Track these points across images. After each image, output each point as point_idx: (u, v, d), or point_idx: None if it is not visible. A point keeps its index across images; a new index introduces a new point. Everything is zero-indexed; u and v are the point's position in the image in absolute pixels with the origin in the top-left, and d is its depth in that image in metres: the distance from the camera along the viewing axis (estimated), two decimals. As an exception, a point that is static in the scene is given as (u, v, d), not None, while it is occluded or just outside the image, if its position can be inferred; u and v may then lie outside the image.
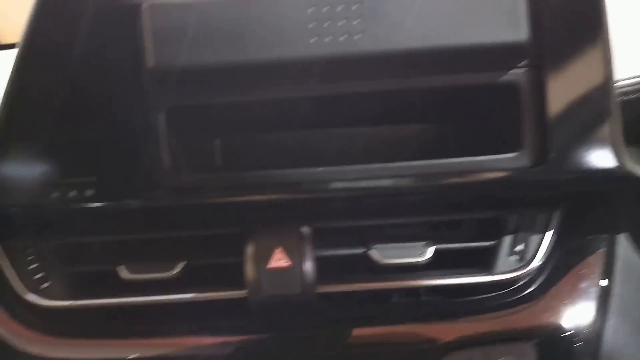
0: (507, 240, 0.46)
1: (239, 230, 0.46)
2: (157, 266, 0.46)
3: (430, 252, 0.45)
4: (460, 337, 0.42)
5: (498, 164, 0.44)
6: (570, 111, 0.43)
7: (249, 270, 0.44)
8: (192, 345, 0.43)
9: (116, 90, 0.43)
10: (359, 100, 0.48)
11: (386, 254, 0.46)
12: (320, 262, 0.45)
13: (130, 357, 0.43)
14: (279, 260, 0.44)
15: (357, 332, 0.44)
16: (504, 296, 0.44)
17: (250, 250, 0.44)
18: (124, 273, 0.45)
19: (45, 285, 0.46)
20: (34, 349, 0.44)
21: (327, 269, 0.46)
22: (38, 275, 0.47)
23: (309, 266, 0.43)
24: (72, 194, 0.44)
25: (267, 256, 0.44)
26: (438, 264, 0.46)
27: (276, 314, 0.44)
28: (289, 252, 0.44)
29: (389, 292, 0.46)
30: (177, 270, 0.46)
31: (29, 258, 0.47)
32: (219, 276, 0.47)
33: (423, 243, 0.46)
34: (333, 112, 0.49)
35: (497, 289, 0.45)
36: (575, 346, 0.43)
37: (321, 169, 0.44)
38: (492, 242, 0.46)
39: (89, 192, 0.45)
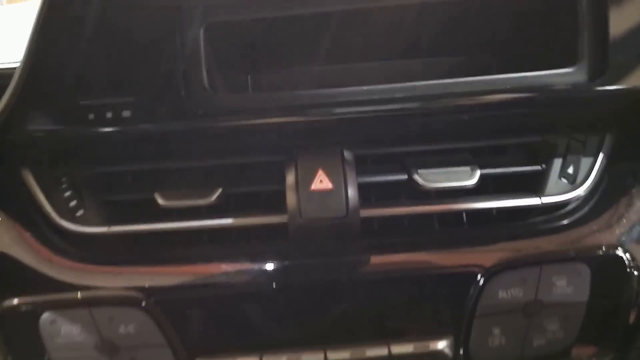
0: (557, 163, 0.45)
1: (278, 157, 0.45)
2: (194, 193, 0.45)
3: (476, 176, 0.44)
4: (511, 257, 0.41)
5: (554, 79, 0.41)
6: (631, 22, 0.41)
7: (290, 192, 0.42)
8: (230, 271, 0.42)
9: (153, 7, 0.41)
10: (407, 14, 0.45)
11: (430, 179, 0.44)
12: (361, 189, 0.43)
13: (167, 284, 0.43)
14: (321, 182, 0.43)
15: (404, 257, 0.42)
16: (556, 219, 0.43)
17: (291, 172, 0.43)
18: (161, 200, 0.45)
19: (80, 212, 0.46)
20: (68, 277, 0.42)
21: (369, 197, 0.45)
22: (72, 203, 0.46)
23: (353, 188, 0.42)
24: (109, 115, 0.43)
25: (309, 179, 0.42)
26: (484, 191, 0.45)
27: (317, 240, 0.42)
28: (332, 175, 0.42)
29: (434, 217, 0.44)
30: (214, 197, 0.45)
31: (63, 186, 0.47)
32: (257, 205, 0.45)
33: (468, 168, 0.45)
34: (377, 27, 0.47)
35: (548, 212, 0.44)
36: (627, 267, 0.41)
37: (365, 87, 0.42)
38: (541, 166, 0.45)
39: (126, 114, 0.43)
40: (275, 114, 0.42)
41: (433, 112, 0.43)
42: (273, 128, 0.43)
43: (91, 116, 0.43)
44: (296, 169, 0.43)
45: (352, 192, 0.42)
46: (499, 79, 0.42)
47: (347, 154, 0.43)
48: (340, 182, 0.42)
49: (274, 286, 0.42)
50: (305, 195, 0.42)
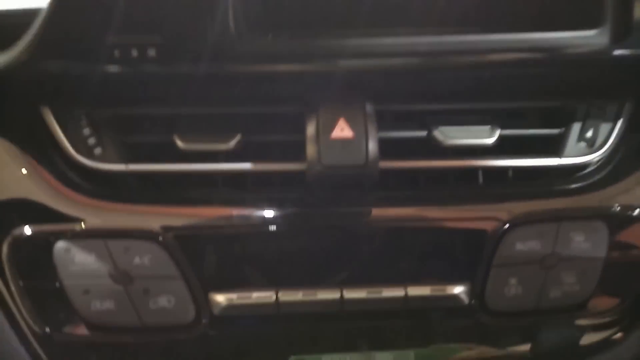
0: (576, 127, 0.45)
1: (299, 108, 0.45)
2: (213, 138, 0.45)
3: (496, 135, 0.44)
4: (529, 212, 0.41)
5: (575, 40, 0.42)
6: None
7: (310, 140, 0.42)
8: (247, 215, 0.42)
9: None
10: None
11: (450, 135, 0.45)
12: (380, 143, 0.43)
13: (184, 224, 0.42)
14: (342, 131, 0.43)
15: (422, 210, 0.42)
16: (575, 180, 0.43)
17: (312, 121, 0.43)
18: (180, 143, 0.44)
19: (98, 150, 0.46)
20: (83, 212, 0.42)
21: (387, 152, 0.44)
22: (91, 141, 0.46)
23: (373, 138, 0.42)
24: (134, 53, 0.44)
25: (330, 127, 0.42)
26: (502, 151, 0.45)
27: (334, 188, 0.43)
28: (353, 125, 0.42)
29: (451, 175, 0.45)
30: (233, 142, 0.45)
31: (82, 124, 0.46)
32: (275, 152, 0.45)
33: (488, 127, 0.45)
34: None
35: (567, 173, 0.44)
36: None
37: (390, 39, 0.42)
38: (560, 130, 0.45)
39: (151, 52, 0.43)
40: (300, 60, 0.42)
41: (455, 67, 0.42)
42: (297, 75, 0.43)
43: (116, 53, 0.43)
44: (317, 118, 0.43)
45: (372, 141, 0.42)
46: (521, 37, 0.42)
47: (369, 107, 0.43)
48: (361, 132, 0.42)
49: (289, 230, 0.42)
50: (326, 143, 0.42)
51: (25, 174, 0.43)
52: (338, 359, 0.42)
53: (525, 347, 0.44)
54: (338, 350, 0.42)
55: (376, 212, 0.42)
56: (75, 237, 0.40)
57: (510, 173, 0.46)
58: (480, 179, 0.46)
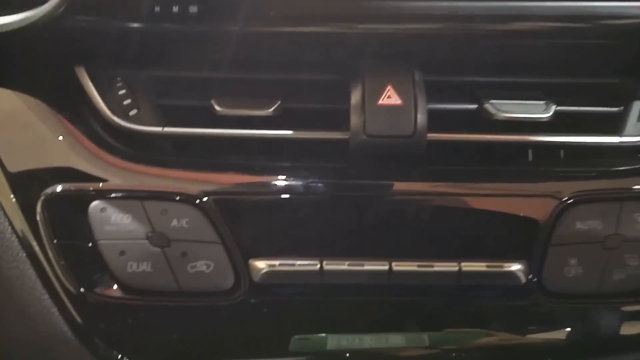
0: (636, 106, 0.42)
1: (343, 75, 0.43)
2: (252, 103, 0.43)
3: (551, 110, 0.42)
4: (590, 190, 0.39)
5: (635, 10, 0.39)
6: None
7: (355, 107, 0.40)
8: (287, 184, 0.40)
9: None
10: None
11: (503, 109, 0.42)
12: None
13: (223, 189, 0.40)
14: (389, 98, 0.41)
15: (476, 188, 0.39)
16: (637, 160, 0.41)
17: (357, 87, 0.40)
18: (218, 107, 0.43)
19: (134, 112, 0.44)
20: (118, 177, 0.40)
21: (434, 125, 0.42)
22: (126, 102, 0.45)
23: (422, 107, 0.39)
24: (175, 9, 0.42)
25: (377, 93, 0.40)
26: (558, 128, 0.43)
27: (378, 159, 0.41)
28: (401, 92, 0.40)
29: (501, 150, 0.43)
30: (272, 108, 0.43)
31: (117, 85, 0.45)
32: (315, 122, 0.43)
33: (543, 102, 0.43)
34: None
35: (624, 153, 0.41)
36: None
37: (440, 2, 0.39)
38: (619, 108, 0.43)
39: (193, 9, 0.42)
40: (345, 21, 0.40)
41: (508, 35, 0.40)
42: (341, 39, 0.41)
43: (157, 9, 0.42)
44: (363, 84, 0.41)
45: (421, 110, 0.39)
46: (580, 5, 0.39)
47: (417, 75, 0.41)
48: (409, 100, 0.40)
49: (331, 201, 0.40)
50: (372, 110, 0.40)
51: (59, 135, 0.42)
52: (344, 339, 0.40)
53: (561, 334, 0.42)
54: (376, 328, 0.40)
55: (425, 186, 0.40)
56: (111, 196, 0.39)
57: (562, 152, 0.45)
58: (530, 157, 0.44)
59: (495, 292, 0.40)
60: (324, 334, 0.41)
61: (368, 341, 0.39)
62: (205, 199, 0.39)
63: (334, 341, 0.41)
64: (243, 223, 0.39)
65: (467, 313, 0.41)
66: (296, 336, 0.40)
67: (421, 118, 0.40)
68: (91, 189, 0.39)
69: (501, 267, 0.39)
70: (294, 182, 0.40)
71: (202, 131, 0.42)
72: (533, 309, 0.40)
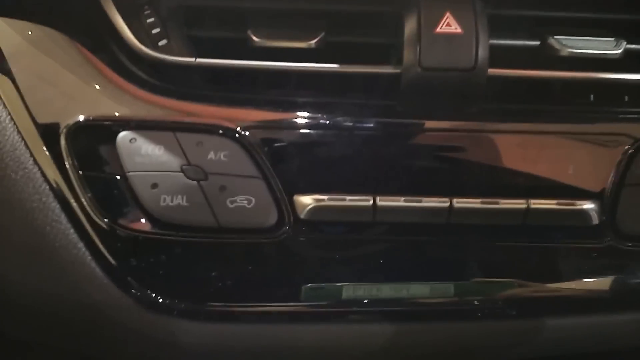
0: None
1: (395, 7, 0.38)
2: (292, 35, 0.39)
3: (622, 47, 0.38)
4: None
5: None
6: None
7: (410, 37, 0.36)
8: (334, 122, 0.36)
9: None
10: None
11: (569, 45, 0.39)
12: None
13: (263, 125, 0.37)
14: (448, 26, 0.38)
15: (539, 126, 0.36)
16: None
17: (412, 16, 0.36)
18: (255, 37, 0.39)
19: (164, 42, 0.41)
20: (141, 109, 0.37)
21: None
22: (155, 31, 0.41)
23: (484, 37, 0.36)
24: None
25: (435, 21, 0.37)
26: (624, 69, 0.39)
27: (434, 96, 0.37)
28: (462, 19, 0.36)
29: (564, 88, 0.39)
30: (315, 40, 0.39)
31: (145, 13, 0.42)
32: (364, 56, 0.39)
33: (612, 38, 0.39)
34: None
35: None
36: None
37: None
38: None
39: None
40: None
41: None
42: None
43: None
44: (419, 11, 0.36)
45: (483, 41, 0.36)
46: None
47: (479, 4, 0.37)
48: (470, 29, 0.36)
49: (382, 141, 0.36)
50: (428, 38, 0.36)
51: (83, 66, 0.38)
52: (360, 289, 0.37)
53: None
54: (428, 275, 0.37)
55: (486, 126, 0.36)
56: (141, 127, 0.35)
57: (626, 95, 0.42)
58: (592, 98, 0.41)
59: (564, 235, 0.37)
60: (347, 284, 0.38)
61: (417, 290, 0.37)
62: (246, 132, 0.35)
63: (354, 291, 0.38)
64: (286, 158, 0.36)
65: (531, 259, 0.38)
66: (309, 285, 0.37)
67: (483, 49, 0.36)
68: (119, 118, 0.36)
69: (573, 204, 0.36)
70: (339, 119, 0.37)
71: (240, 63, 0.38)
72: (606, 253, 0.37)
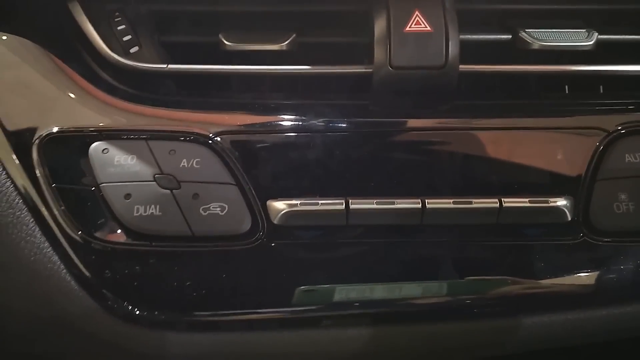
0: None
1: (364, 6, 0.38)
2: (263, 37, 0.39)
3: (593, 39, 0.38)
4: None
5: None
6: None
7: (380, 36, 0.36)
8: (304, 123, 0.36)
9: None
10: None
11: (540, 38, 0.38)
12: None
13: (236, 129, 0.36)
14: (417, 24, 0.38)
15: (517, 122, 0.36)
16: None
17: (382, 15, 0.36)
18: (226, 41, 0.38)
19: (135, 49, 0.41)
20: (117, 118, 0.36)
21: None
22: (126, 38, 0.41)
23: (454, 34, 0.36)
24: None
25: (404, 20, 0.36)
26: (595, 60, 0.39)
27: (405, 94, 0.37)
28: (431, 17, 0.36)
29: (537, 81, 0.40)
30: (286, 42, 0.39)
31: (116, 21, 0.41)
32: (334, 57, 0.39)
33: (583, 30, 0.39)
34: None
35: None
36: None
37: None
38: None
39: None
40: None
41: None
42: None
43: None
44: (388, 10, 0.36)
45: (453, 38, 0.36)
46: None
47: (448, 1, 0.37)
48: (440, 26, 0.36)
49: (355, 141, 0.36)
50: (398, 38, 0.36)
51: (54, 76, 0.38)
52: (353, 290, 0.37)
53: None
54: (402, 276, 0.37)
55: (458, 123, 0.36)
56: (113, 137, 0.35)
57: (601, 86, 0.42)
58: (567, 90, 0.41)
59: (537, 232, 0.37)
60: (339, 285, 0.37)
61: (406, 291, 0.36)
62: (218, 138, 0.35)
63: (350, 292, 0.37)
64: (259, 163, 0.36)
65: (506, 257, 0.37)
66: (303, 288, 0.37)
67: (453, 46, 0.36)
68: (91, 129, 0.36)
69: (546, 202, 0.35)
70: (312, 121, 0.37)
71: (211, 68, 0.38)
72: (579, 249, 0.37)
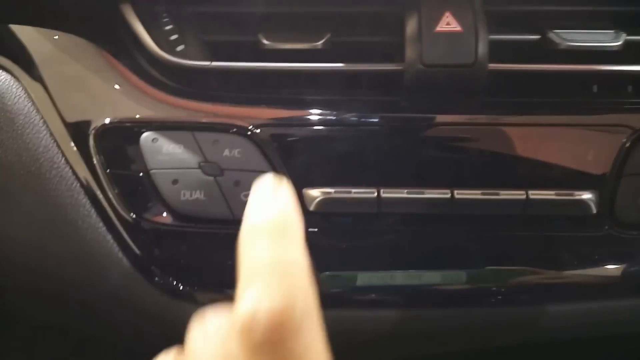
0: None
1: (396, 8, 0.40)
2: (300, 37, 0.42)
3: (621, 39, 0.39)
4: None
5: None
6: None
7: (411, 35, 0.38)
8: (333, 116, 0.39)
9: None
10: None
11: (568, 38, 0.40)
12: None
13: (274, 122, 0.39)
14: (448, 25, 0.39)
15: (538, 119, 0.38)
16: None
17: (413, 16, 0.38)
18: (265, 40, 0.41)
19: (181, 47, 0.44)
20: (162, 111, 0.40)
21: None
22: (173, 37, 0.44)
23: (483, 34, 0.37)
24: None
25: (435, 20, 0.38)
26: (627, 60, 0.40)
27: (436, 91, 0.39)
28: (461, 18, 0.38)
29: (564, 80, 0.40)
30: (321, 42, 0.41)
31: (164, 21, 0.45)
32: (368, 55, 0.41)
33: (612, 31, 0.40)
34: None
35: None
36: None
37: None
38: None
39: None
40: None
41: None
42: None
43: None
44: (419, 12, 0.39)
45: (482, 37, 0.37)
46: None
47: (478, 2, 0.39)
48: (470, 27, 0.38)
49: (387, 136, 0.38)
50: (429, 37, 0.38)
51: (109, 72, 0.41)
52: (375, 277, 0.39)
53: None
54: (432, 264, 0.39)
55: (487, 119, 0.38)
56: (162, 128, 0.38)
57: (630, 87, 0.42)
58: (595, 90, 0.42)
59: (562, 224, 0.38)
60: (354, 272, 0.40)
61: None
62: (258, 130, 0.38)
63: (369, 279, 0.39)
64: (296, 154, 0.38)
65: (531, 247, 0.39)
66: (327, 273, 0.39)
67: (482, 46, 0.38)
68: (142, 120, 0.39)
69: (571, 195, 0.37)
70: (346, 115, 0.39)
71: (251, 65, 0.41)
72: (605, 241, 0.38)
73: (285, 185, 0.24)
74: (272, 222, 0.23)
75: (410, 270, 0.40)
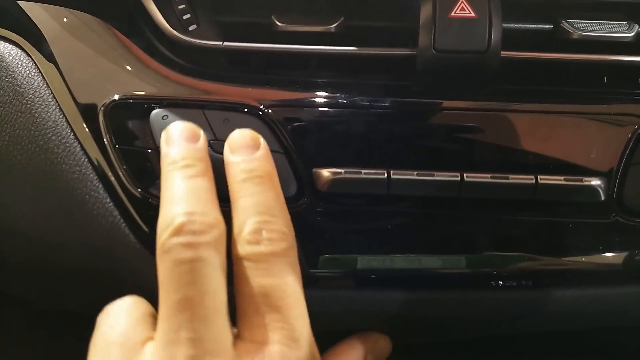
0: None
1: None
2: (313, 20, 0.41)
3: (634, 30, 0.39)
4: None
5: None
6: None
7: (425, 20, 0.38)
8: (344, 99, 0.39)
9: None
10: None
11: (580, 28, 0.40)
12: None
13: (285, 103, 0.39)
14: (462, 10, 0.39)
15: (548, 107, 0.38)
16: None
17: (427, 1, 0.38)
18: (278, 22, 0.41)
19: (194, 27, 0.44)
20: (173, 89, 0.40)
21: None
22: (186, 17, 0.43)
23: (497, 21, 0.37)
24: None
25: (449, 6, 0.38)
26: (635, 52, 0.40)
27: (448, 77, 0.39)
28: (475, 4, 0.38)
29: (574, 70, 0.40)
30: (335, 24, 0.41)
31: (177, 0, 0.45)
32: (381, 39, 0.42)
33: (625, 22, 0.40)
34: None
35: None
36: None
37: None
38: None
39: None
40: None
41: None
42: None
43: None
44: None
45: (496, 25, 0.37)
46: None
47: (492, -11, 0.40)
48: (484, 13, 0.38)
49: (397, 120, 0.38)
50: (443, 22, 0.38)
51: (120, 49, 0.41)
52: (375, 260, 0.39)
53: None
54: (439, 247, 0.39)
55: (498, 106, 0.38)
56: (172, 105, 0.38)
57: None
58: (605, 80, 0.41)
59: (570, 210, 0.38)
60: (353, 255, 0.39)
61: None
62: (269, 110, 0.38)
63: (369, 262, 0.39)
64: (306, 135, 0.38)
65: (539, 232, 0.39)
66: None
67: (496, 33, 0.37)
68: (153, 97, 0.39)
69: (580, 181, 0.37)
70: (357, 98, 0.39)
71: (264, 46, 0.41)
72: (611, 228, 0.39)
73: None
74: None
75: (410, 255, 0.40)
